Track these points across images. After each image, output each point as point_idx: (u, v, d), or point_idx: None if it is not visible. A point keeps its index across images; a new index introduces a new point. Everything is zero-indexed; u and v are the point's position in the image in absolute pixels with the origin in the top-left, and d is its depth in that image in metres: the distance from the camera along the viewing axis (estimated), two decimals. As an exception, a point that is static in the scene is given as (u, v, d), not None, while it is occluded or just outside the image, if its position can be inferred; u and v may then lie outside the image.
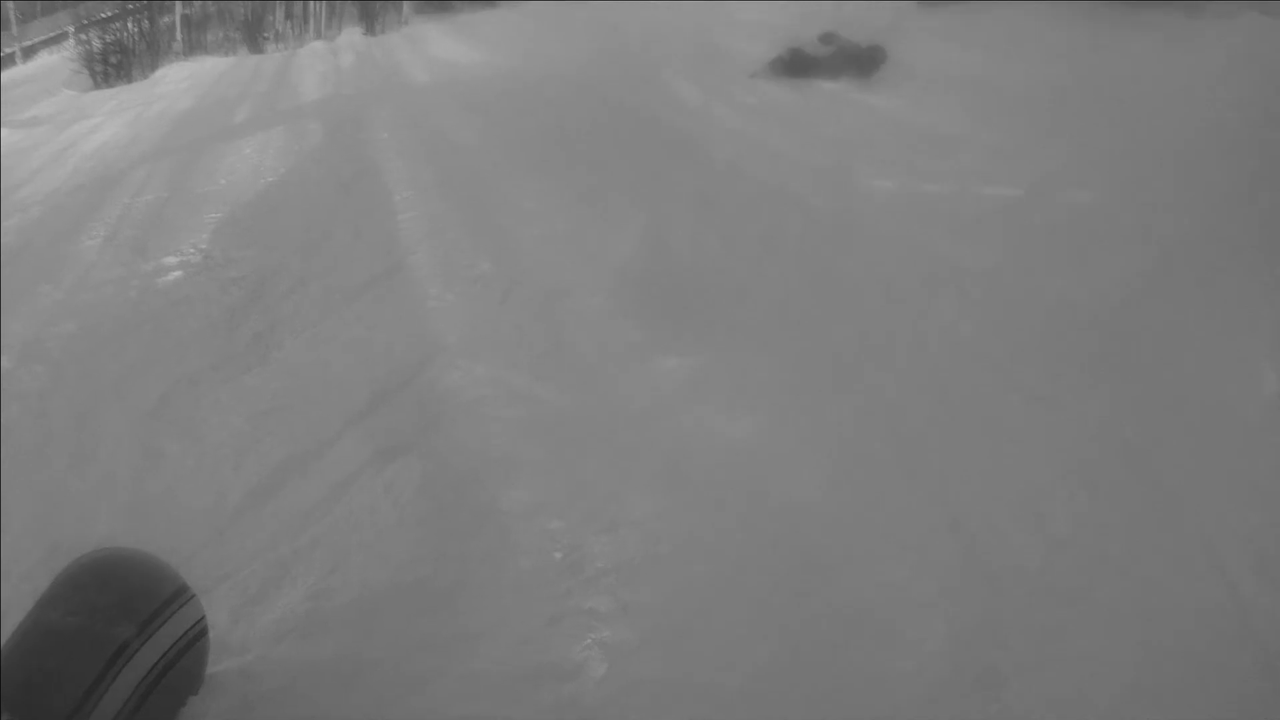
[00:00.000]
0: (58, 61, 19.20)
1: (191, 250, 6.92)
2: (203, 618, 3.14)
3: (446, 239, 6.69)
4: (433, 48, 15.00)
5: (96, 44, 17.43)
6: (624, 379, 4.77)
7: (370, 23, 18.30)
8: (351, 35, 18.25)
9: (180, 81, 15.40)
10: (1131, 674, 2.99)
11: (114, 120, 12.54)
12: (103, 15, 18.19)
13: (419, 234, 6.80)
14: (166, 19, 18.93)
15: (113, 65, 17.33)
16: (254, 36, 18.66)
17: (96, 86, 16.85)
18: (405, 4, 18.58)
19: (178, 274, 6.60)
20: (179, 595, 3.05)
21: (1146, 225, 5.77)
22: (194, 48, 18.92)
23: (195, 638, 3.08)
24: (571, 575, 3.55)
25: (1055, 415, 4.24)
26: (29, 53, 22.59)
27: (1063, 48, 9.90)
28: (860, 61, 10.18)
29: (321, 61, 15.46)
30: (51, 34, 21.71)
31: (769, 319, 5.25)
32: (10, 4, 20.74)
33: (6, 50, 22.46)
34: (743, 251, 6.07)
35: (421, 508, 4.04)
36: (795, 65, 10.35)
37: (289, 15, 19.04)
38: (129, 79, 16.94)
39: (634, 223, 6.52)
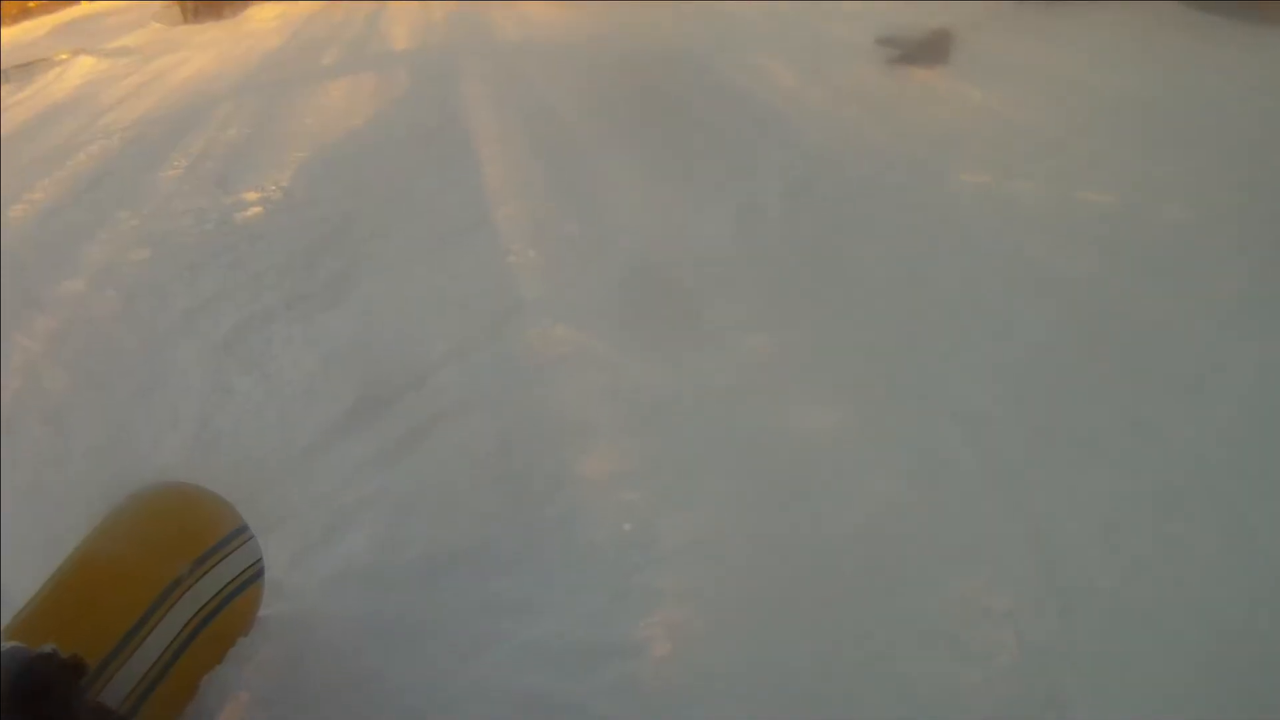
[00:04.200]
0: (150, -7, 19.39)
1: (273, 187, 6.91)
2: (259, 559, 3.09)
3: (533, 196, 6.62)
4: (526, 7, 14.90)
5: (189, -21, 17.58)
6: (706, 357, 4.64)
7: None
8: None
9: (269, 21, 15.52)
10: (1198, 707, 2.86)
11: (201, 55, 12.65)
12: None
13: (505, 189, 6.73)
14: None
15: (203, 1, 17.46)
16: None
17: (186, 22, 16.99)
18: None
19: (258, 209, 6.59)
20: (237, 535, 3.01)
21: (1242, 243, 5.57)
22: (285, -11, 19.01)
23: (250, 579, 3.04)
24: (641, 551, 3.44)
25: (1140, 435, 4.06)
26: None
27: (1159, 55, 9.67)
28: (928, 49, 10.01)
29: (413, 12, 15.44)
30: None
31: (854, 311, 5.11)
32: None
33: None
34: (830, 240, 5.91)
35: (493, 467, 3.95)
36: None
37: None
38: (219, 16, 17.07)
39: (722, 200, 6.40)
